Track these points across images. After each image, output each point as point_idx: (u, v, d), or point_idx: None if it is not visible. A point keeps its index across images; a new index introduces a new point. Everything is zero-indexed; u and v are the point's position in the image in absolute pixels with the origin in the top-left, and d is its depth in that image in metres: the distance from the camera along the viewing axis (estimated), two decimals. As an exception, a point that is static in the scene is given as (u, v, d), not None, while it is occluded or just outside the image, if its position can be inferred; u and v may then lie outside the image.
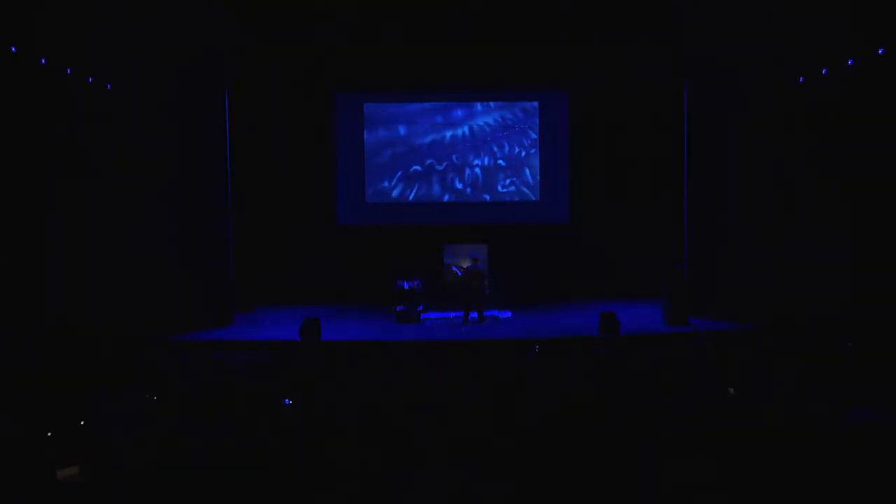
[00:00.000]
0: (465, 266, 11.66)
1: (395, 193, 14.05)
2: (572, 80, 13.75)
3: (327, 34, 12.82)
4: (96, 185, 10.33)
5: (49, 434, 4.56)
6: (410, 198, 14.04)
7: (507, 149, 14.04)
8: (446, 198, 14.04)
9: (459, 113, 14.03)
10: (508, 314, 11.86)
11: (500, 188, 14.07)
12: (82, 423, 4.86)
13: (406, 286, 11.59)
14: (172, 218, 10.85)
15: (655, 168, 13.30)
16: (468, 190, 14.06)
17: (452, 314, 11.55)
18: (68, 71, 9.78)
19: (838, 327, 8.75)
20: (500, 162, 14.04)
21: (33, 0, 9.16)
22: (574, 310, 12.19)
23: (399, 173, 14.03)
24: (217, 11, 10.90)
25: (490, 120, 14.05)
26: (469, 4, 12.43)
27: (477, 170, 14.04)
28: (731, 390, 5.37)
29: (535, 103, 14.01)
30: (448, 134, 14.02)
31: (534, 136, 14.01)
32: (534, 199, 14.06)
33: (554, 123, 13.99)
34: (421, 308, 11.64)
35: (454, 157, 14.02)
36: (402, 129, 14.01)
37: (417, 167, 14.02)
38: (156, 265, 10.65)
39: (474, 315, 11.29)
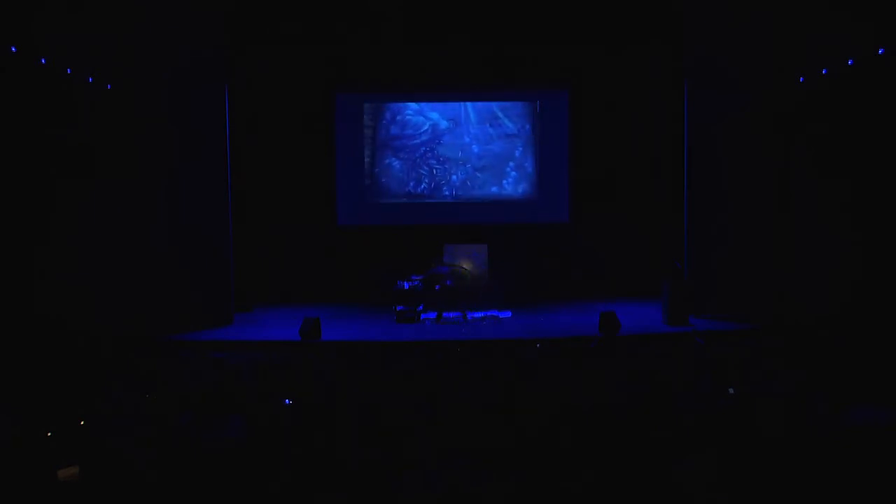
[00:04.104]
0: (459, 266, 11.64)
1: (395, 194, 14.05)
2: (572, 79, 13.75)
3: (327, 34, 12.85)
4: (96, 185, 10.34)
5: (49, 434, 4.56)
6: (410, 198, 14.04)
7: (506, 148, 14.04)
8: (446, 198, 14.04)
9: (459, 112, 14.03)
10: (508, 314, 11.85)
11: (499, 188, 14.07)
12: (82, 423, 4.87)
13: (406, 286, 11.58)
14: (172, 218, 10.85)
15: (655, 168, 13.31)
16: (468, 190, 14.06)
17: (452, 314, 11.54)
18: (68, 71, 9.78)
19: (838, 327, 8.76)
20: (500, 161, 14.04)
21: (33, 0, 9.16)
22: (574, 310, 12.19)
23: (399, 173, 14.04)
24: (217, 11, 10.90)
25: (490, 119, 14.04)
26: (469, 4, 12.45)
27: (477, 169, 14.04)
28: (731, 390, 5.37)
29: (536, 103, 14.01)
30: (448, 133, 14.02)
31: (534, 135, 14.00)
32: (533, 198, 14.05)
33: (554, 123, 13.98)
34: (421, 308, 11.63)
35: (454, 156, 14.02)
36: (402, 129, 14.01)
37: (417, 167, 14.02)
38: (156, 265, 10.66)
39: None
